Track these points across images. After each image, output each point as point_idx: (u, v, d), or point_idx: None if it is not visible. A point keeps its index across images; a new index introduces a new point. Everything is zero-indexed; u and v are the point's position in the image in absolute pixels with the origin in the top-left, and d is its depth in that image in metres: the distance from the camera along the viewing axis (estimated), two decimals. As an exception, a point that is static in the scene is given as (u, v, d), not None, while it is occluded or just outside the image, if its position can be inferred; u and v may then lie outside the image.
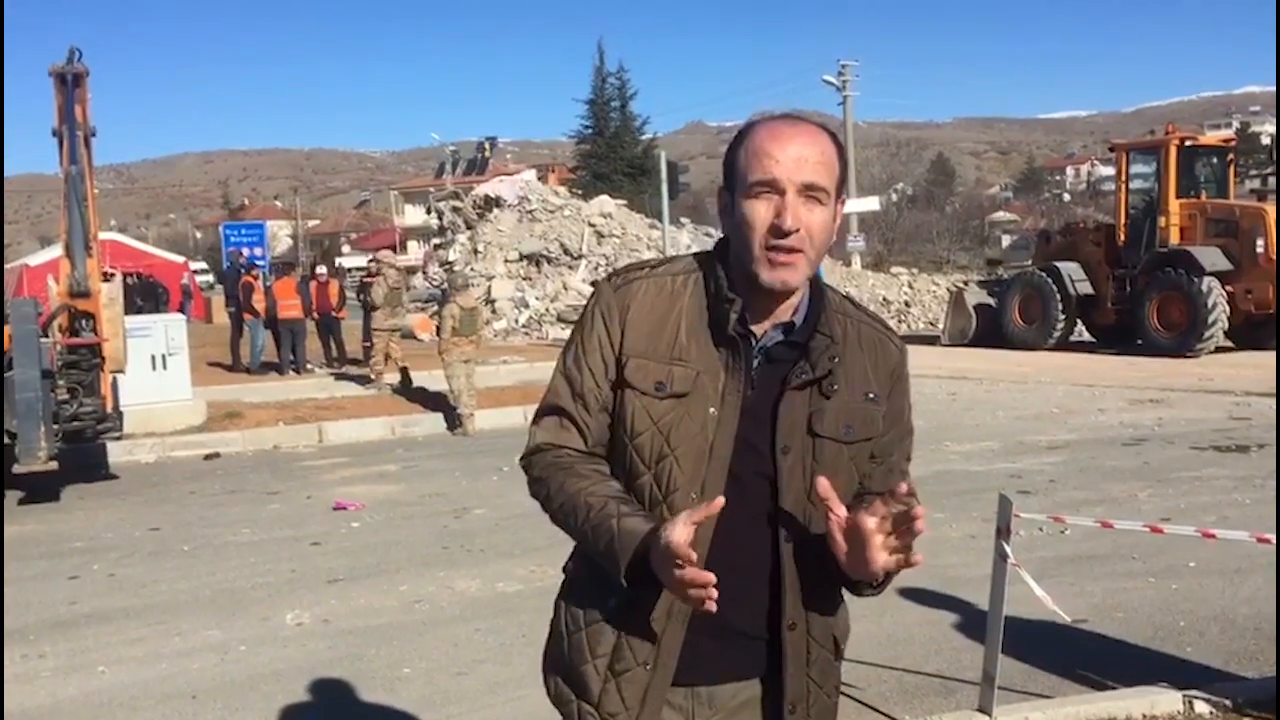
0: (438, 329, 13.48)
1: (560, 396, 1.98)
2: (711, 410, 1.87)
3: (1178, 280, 18.28)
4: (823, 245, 1.87)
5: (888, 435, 1.99)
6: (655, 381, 1.89)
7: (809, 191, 1.83)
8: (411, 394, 14.96)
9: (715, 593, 1.70)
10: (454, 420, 13.32)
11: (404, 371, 15.68)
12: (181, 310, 27.88)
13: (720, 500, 1.73)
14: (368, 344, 17.48)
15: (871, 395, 1.95)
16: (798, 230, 1.81)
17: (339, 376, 17.37)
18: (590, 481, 1.90)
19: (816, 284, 1.96)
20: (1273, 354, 17.81)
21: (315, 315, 18.83)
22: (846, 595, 2.02)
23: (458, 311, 13.10)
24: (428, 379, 14.97)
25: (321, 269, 20.39)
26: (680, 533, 1.70)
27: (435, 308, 20.04)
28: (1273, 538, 4.18)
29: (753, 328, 1.90)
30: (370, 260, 19.29)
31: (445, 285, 16.11)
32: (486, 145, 78.52)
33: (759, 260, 1.84)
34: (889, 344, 2.02)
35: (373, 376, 15.99)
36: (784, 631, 1.92)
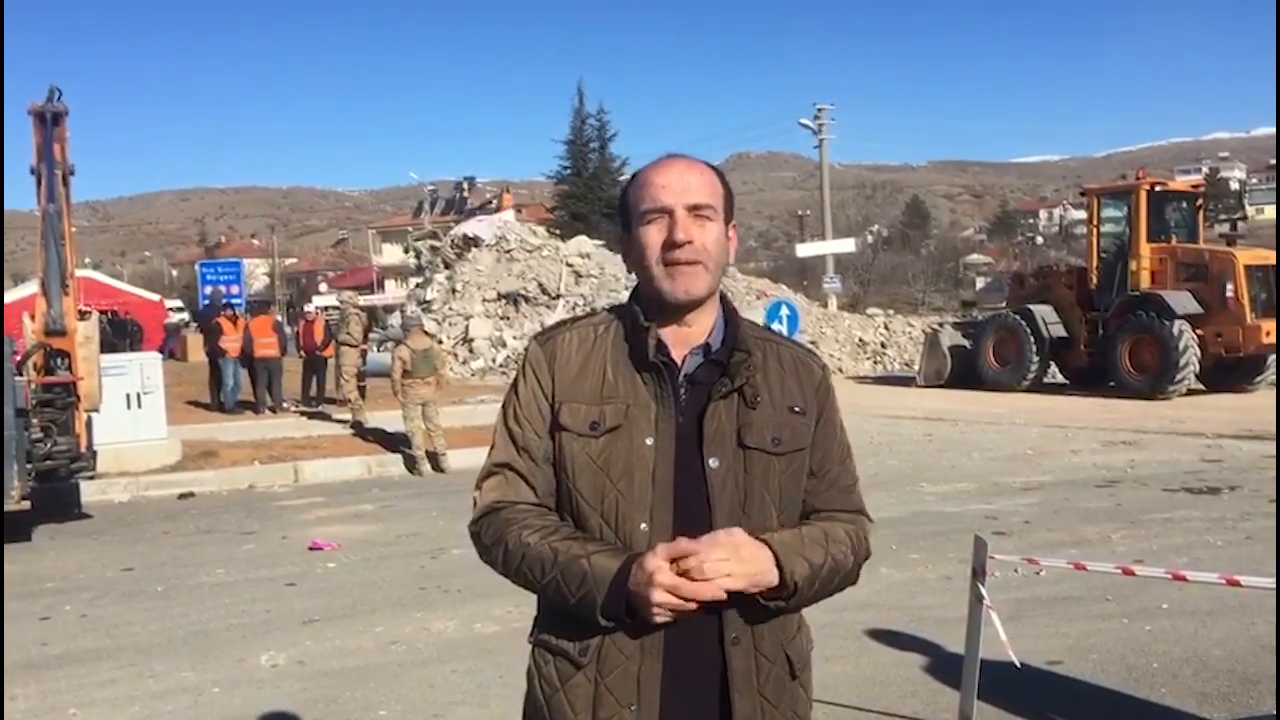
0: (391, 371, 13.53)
1: (503, 453, 2.03)
2: (649, 440, 1.92)
3: (1149, 323, 18.53)
4: (719, 259, 1.98)
5: (822, 451, 2.06)
6: (589, 421, 1.95)
7: (696, 211, 1.95)
8: (387, 434, 14.92)
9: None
10: (411, 462, 13.33)
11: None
12: (163, 349, 27.66)
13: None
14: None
15: (797, 409, 2.02)
16: (690, 241, 1.92)
17: (314, 415, 17.34)
18: (549, 530, 1.94)
19: (731, 311, 2.05)
20: (1242, 396, 18.10)
21: (302, 353, 18.82)
22: (810, 621, 2.05)
23: (407, 354, 13.10)
24: (397, 419, 14.95)
25: (310, 307, 20.34)
26: (662, 550, 1.80)
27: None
28: (1243, 580, 4.23)
29: (673, 356, 1.96)
30: (340, 301, 19.44)
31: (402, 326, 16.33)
32: (465, 185, 78.66)
33: (659, 277, 1.95)
34: (810, 363, 2.10)
35: (353, 412, 16.18)
36: (727, 647, 1.91)
